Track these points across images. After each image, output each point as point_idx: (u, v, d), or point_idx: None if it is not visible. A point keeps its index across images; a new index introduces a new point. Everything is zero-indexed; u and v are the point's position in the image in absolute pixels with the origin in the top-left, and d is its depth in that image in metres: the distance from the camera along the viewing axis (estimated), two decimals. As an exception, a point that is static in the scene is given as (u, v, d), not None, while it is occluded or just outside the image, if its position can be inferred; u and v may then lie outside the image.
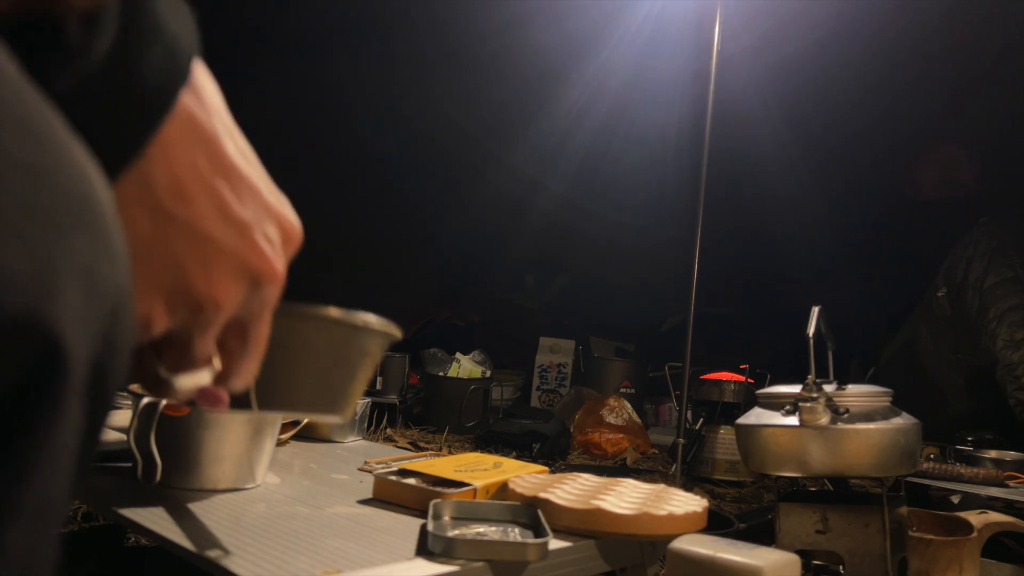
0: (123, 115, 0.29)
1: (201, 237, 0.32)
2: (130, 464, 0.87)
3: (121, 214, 0.29)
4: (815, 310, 1.11)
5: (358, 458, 1.16)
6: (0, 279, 0.22)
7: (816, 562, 1.08)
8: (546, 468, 1.06)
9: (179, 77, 0.31)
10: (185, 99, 0.32)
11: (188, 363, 0.36)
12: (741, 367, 2.20)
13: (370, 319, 0.60)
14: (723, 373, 2.17)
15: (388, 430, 2.18)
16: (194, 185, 0.32)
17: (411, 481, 0.93)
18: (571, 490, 0.89)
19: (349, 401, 0.61)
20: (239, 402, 0.48)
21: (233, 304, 0.34)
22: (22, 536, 0.24)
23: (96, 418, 0.26)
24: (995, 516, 1.16)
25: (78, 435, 0.25)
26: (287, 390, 0.58)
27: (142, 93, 0.29)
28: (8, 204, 0.22)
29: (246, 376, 0.40)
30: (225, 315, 0.35)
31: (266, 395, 0.55)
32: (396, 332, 0.62)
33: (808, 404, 1.02)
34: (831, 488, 1.20)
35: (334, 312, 0.57)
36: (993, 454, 1.71)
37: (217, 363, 0.38)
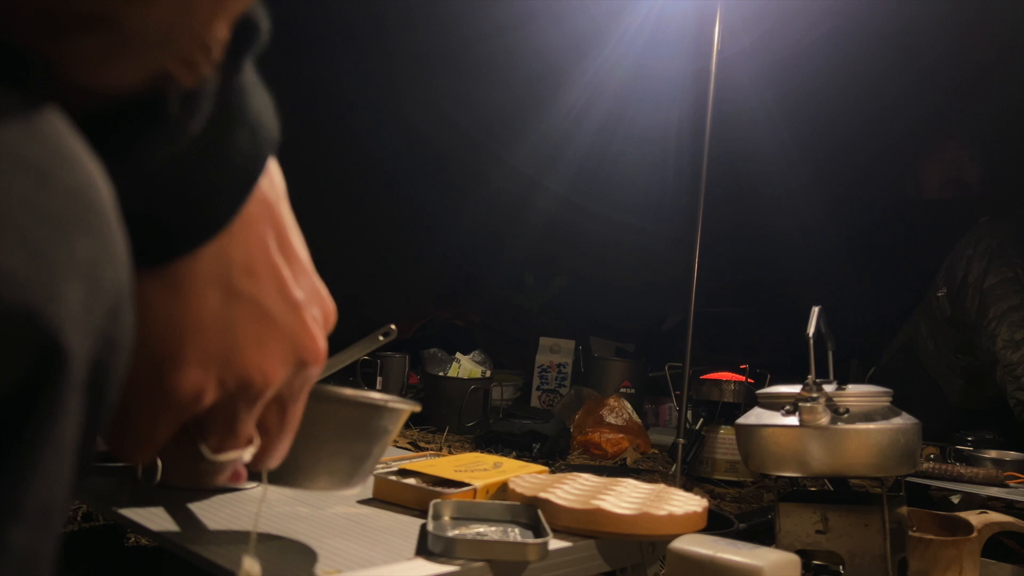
0: (211, 192, 0.30)
1: (262, 315, 0.33)
2: (130, 464, 0.87)
3: (194, 288, 0.31)
4: (815, 310, 1.11)
5: (358, 458, 1.16)
6: (1, 277, 0.22)
7: (816, 562, 1.08)
8: (546, 468, 1.06)
9: (261, 160, 0.32)
10: (261, 180, 0.33)
11: (231, 441, 0.36)
12: (741, 367, 2.20)
13: (386, 400, 0.62)
14: (723, 373, 2.17)
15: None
16: (262, 264, 0.33)
17: (411, 481, 0.93)
18: (571, 490, 0.89)
19: (363, 476, 0.64)
20: (252, 476, 0.48)
21: (280, 381, 0.35)
22: (23, 536, 0.24)
23: (96, 416, 0.26)
24: (995, 516, 1.16)
25: (78, 433, 0.25)
26: (303, 467, 0.59)
27: (229, 172, 0.30)
28: (10, 203, 0.22)
29: (280, 454, 0.40)
30: (272, 392, 0.35)
31: (281, 471, 0.55)
32: (414, 407, 0.64)
33: (808, 404, 1.02)
34: (831, 488, 1.20)
35: (350, 394, 0.60)
36: (993, 454, 1.71)
37: (257, 441, 0.38)
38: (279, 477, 0.58)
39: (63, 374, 0.24)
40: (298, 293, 0.35)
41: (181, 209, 0.30)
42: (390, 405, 0.63)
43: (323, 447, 0.60)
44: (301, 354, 0.35)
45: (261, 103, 0.32)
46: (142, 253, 0.30)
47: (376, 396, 0.62)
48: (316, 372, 0.37)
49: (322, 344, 0.36)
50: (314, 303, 0.36)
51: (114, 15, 0.26)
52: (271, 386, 0.35)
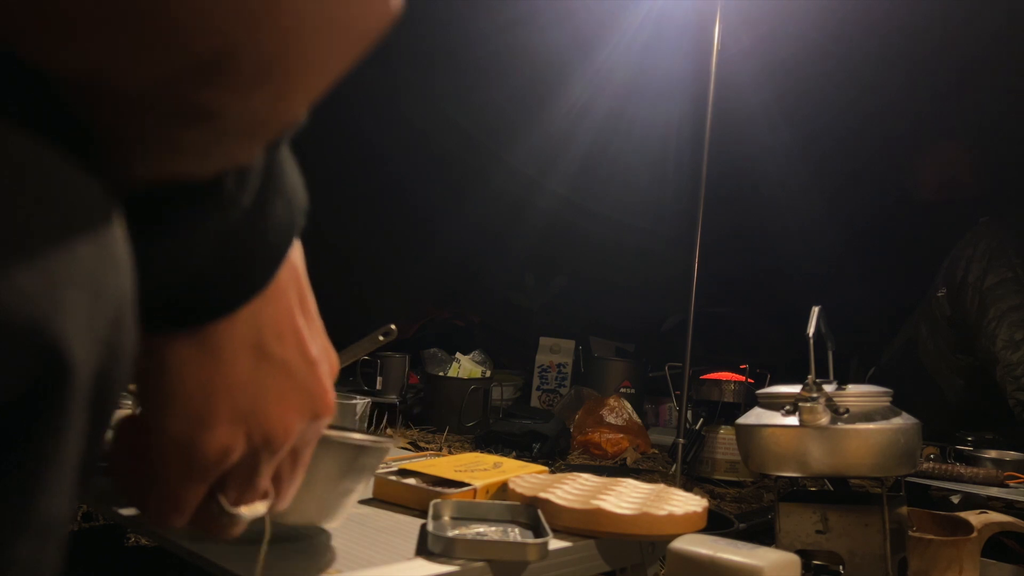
0: (251, 260, 0.32)
1: (286, 373, 0.35)
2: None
3: (228, 350, 0.33)
4: (815, 310, 1.11)
5: (358, 458, 1.16)
6: (4, 289, 0.22)
7: (816, 562, 1.08)
8: (546, 468, 1.06)
9: (295, 229, 0.34)
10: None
11: (251, 494, 0.37)
12: (741, 367, 2.20)
13: (372, 440, 0.66)
14: (723, 373, 2.17)
15: (388, 430, 2.17)
16: (288, 326, 0.35)
17: (411, 481, 0.93)
18: (571, 490, 0.89)
19: (348, 509, 0.68)
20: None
21: (298, 434, 0.37)
22: (28, 550, 0.24)
23: (99, 427, 0.26)
24: (995, 516, 1.16)
25: (82, 445, 0.25)
26: (294, 505, 0.62)
27: (269, 242, 0.32)
28: (12, 213, 0.22)
29: (289, 500, 0.41)
30: (290, 445, 0.37)
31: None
32: (388, 444, 0.69)
33: (808, 404, 1.02)
34: (831, 488, 1.20)
35: (336, 436, 0.64)
36: (993, 454, 1.71)
37: (272, 492, 0.39)
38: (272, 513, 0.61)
39: (68, 386, 0.24)
40: (315, 351, 0.37)
41: (222, 275, 0.31)
42: (375, 445, 0.67)
43: (313, 486, 0.63)
44: (316, 408, 0.37)
45: (294, 174, 0.34)
46: (180, 316, 0.32)
47: (358, 437, 0.67)
48: (327, 423, 0.39)
49: (333, 397, 0.38)
50: (325, 359, 0.38)
51: (222, 108, 0.27)
52: (291, 439, 0.36)
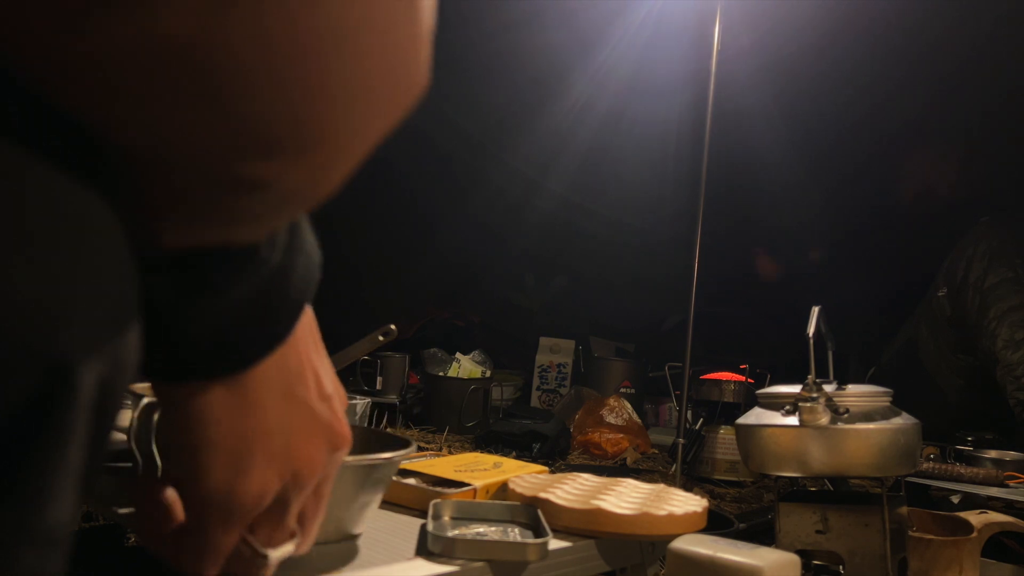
0: (278, 312, 0.34)
1: (309, 412, 0.37)
2: (130, 464, 0.87)
3: (260, 395, 0.35)
4: (815, 310, 1.11)
5: (358, 458, 1.16)
6: (9, 303, 0.22)
7: (816, 562, 1.08)
8: (546, 468, 1.06)
9: (314, 282, 0.36)
10: None
11: (281, 533, 0.39)
12: (741, 367, 2.20)
13: (378, 458, 0.68)
14: (723, 373, 2.17)
15: (388, 430, 2.17)
16: (307, 367, 0.37)
17: (411, 481, 0.93)
18: (571, 490, 0.89)
19: (364, 521, 0.71)
20: None
21: (322, 469, 0.38)
22: (31, 560, 0.24)
23: (101, 434, 0.26)
24: (995, 516, 1.16)
25: (85, 455, 0.25)
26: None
27: (293, 295, 0.34)
28: (17, 227, 0.22)
29: (315, 534, 0.43)
30: (315, 480, 0.38)
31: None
32: (402, 455, 0.71)
33: (808, 404, 1.02)
34: (831, 488, 1.20)
35: (351, 460, 0.65)
36: (993, 454, 1.71)
37: (298, 531, 0.40)
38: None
39: (73, 397, 0.24)
40: (329, 387, 0.39)
41: (253, 327, 0.33)
42: (386, 462, 0.69)
43: (330, 508, 0.66)
44: (335, 441, 0.39)
45: (308, 230, 0.36)
46: (215, 366, 0.33)
47: (370, 458, 0.68)
48: (345, 455, 0.40)
49: (348, 430, 0.40)
50: (336, 394, 0.40)
51: (275, 178, 0.28)
52: (317, 474, 0.38)
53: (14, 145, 0.23)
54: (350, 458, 0.68)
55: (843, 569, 1.05)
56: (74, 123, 0.25)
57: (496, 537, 0.77)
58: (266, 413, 0.35)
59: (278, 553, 0.39)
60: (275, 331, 0.34)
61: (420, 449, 1.95)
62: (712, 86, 1.98)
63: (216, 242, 0.30)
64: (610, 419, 2.27)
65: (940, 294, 2.25)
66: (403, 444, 0.75)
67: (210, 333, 0.32)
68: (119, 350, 0.26)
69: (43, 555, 0.25)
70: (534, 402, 3.07)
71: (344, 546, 0.71)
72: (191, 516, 0.36)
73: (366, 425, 1.50)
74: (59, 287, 0.23)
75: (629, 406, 2.36)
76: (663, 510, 0.83)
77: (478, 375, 2.59)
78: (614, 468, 2.03)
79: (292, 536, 0.40)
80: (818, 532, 1.07)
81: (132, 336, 0.27)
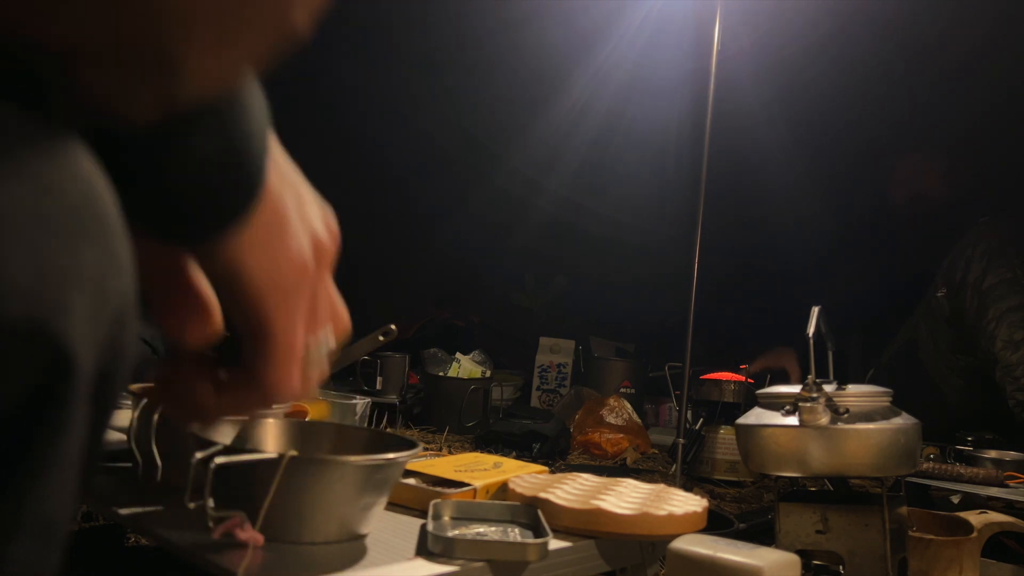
0: (256, 139, 0.36)
1: (307, 193, 0.42)
2: (130, 464, 0.87)
3: (272, 190, 0.37)
4: (815, 310, 1.11)
5: (358, 458, 1.16)
6: (6, 288, 0.22)
7: (816, 562, 1.08)
8: (546, 468, 1.06)
9: (267, 112, 0.38)
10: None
11: (315, 325, 0.42)
12: (741, 367, 2.20)
13: (381, 459, 0.70)
14: (723, 373, 2.17)
15: (388, 430, 2.18)
16: (284, 162, 0.41)
17: (411, 481, 0.93)
18: (571, 490, 0.89)
19: (370, 521, 0.73)
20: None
21: (330, 256, 0.42)
22: (26, 550, 0.24)
23: (99, 426, 0.26)
24: (995, 516, 1.16)
25: (83, 444, 0.25)
26: (319, 524, 0.69)
27: (257, 124, 0.36)
28: (14, 213, 0.22)
29: (343, 323, 0.46)
30: (331, 254, 0.42)
31: (298, 530, 0.69)
32: (406, 456, 0.73)
33: (808, 404, 1.02)
34: (831, 488, 1.20)
35: (355, 460, 0.69)
36: (993, 454, 1.71)
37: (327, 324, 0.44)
38: (296, 535, 0.68)
39: (71, 387, 0.24)
40: (309, 195, 0.43)
41: (241, 159, 0.35)
42: (389, 463, 0.71)
43: (333, 508, 0.69)
44: (329, 222, 0.43)
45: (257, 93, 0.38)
46: (234, 201, 0.35)
47: (372, 458, 0.70)
48: (335, 251, 0.43)
49: (335, 222, 0.44)
50: (317, 213, 0.43)
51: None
52: (334, 240, 0.42)
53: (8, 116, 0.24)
54: (355, 458, 0.68)
55: (843, 569, 1.05)
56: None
57: (496, 537, 0.77)
58: (287, 209, 0.38)
59: (324, 344, 0.43)
60: (259, 158, 0.36)
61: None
62: (712, 86, 1.98)
63: (168, 104, 0.31)
64: (610, 419, 2.27)
65: (939, 294, 2.25)
66: (409, 445, 0.75)
67: (207, 176, 0.33)
68: (117, 340, 0.26)
69: (38, 546, 0.24)
70: (534, 402, 3.07)
71: (351, 546, 0.72)
72: (257, 326, 0.38)
73: (366, 425, 1.50)
74: (55, 277, 0.23)
75: (629, 406, 2.36)
76: (663, 510, 0.83)
77: (478, 375, 2.58)
78: (614, 468, 2.03)
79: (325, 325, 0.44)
80: (818, 532, 1.07)
81: (131, 327, 0.27)
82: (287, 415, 0.92)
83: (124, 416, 0.90)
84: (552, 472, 1.05)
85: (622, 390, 2.78)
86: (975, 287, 2.12)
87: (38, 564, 0.25)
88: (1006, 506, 1.38)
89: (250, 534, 0.64)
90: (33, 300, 0.22)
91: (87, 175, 0.25)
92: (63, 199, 0.24)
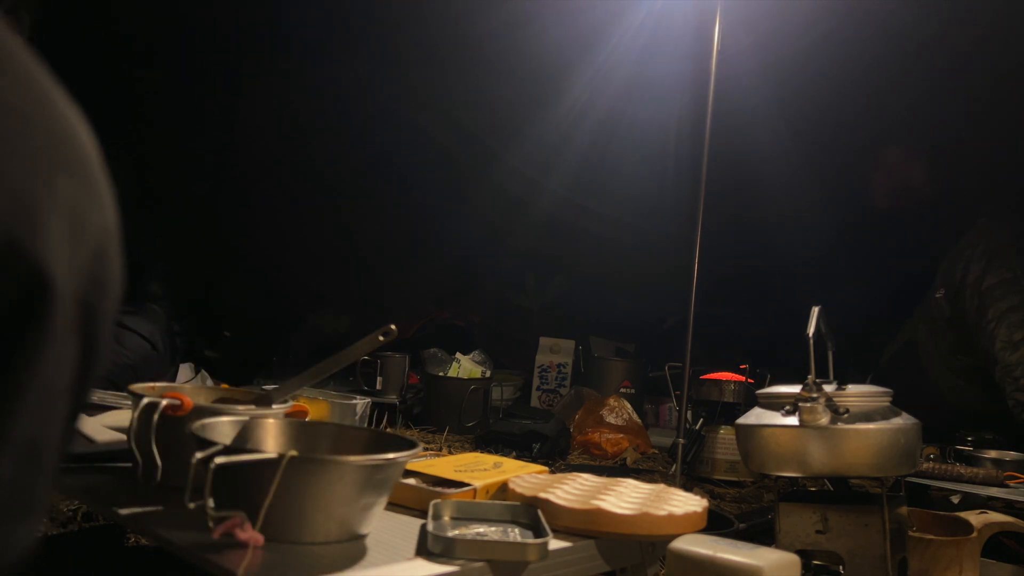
0: None
1: None
2: (130, 464, 0.87)
3: None
4: (815, 310, 1.11)
5: (358, 458, 1.16)
6: None
7: (816, 562, 1.08)
8: (546, 468, 1.06)
9: None
10: None
11: None
12: (741, 367, 2.20)
13: (379, 459, 0.70)
14: (723, 373, 2.17)
15: (388, 430, 2.18)
16: None
17: (411, 481, 0.93)
18: (571, 490, 0.89)
19: (371, 520, 0.73)
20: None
21: None
22: (9, 468, 0.24)
23: (88, 357, 0.26)
24: (995, 516, 1.16)
25: (70, 373, 0.25)
26: (319, 525, 0.69)
27: None
28: None
29: None
30: None
31: (298, 531, 0.69)
32: (406, 456, 0.73)
33: (808, 404, 1.02)
34: (831, 488, 1.20)
35: (355, 460, 0.69)
36: (993, 454, 1.71)
37: None
38: (296, 535, 0.68)
39: (50, 307, 0.23)
40: None
41: None
42: (388, 463, 0.71)
43: (333, 508, 0.69)
44: None
45: None
46: None
47: (370, 458, 0.70)
48: None
49: None
50: None
51: None
52: None
53: None
54: (355, 458, 0.68)
55: (843, 569, 1.05)
56: None
57: (496, 537, 0.77)
58: None
59: None
60: None
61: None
62: (712, 86, 1.98)
63: None
64: (610, 419, 2.27)
65: (938, 295, 2.24)
66: (409, 445, 0.75)
67: None
68: (99, 273, 0.25)
69: (21, 467, 0.24)
70: (534, 402, 3.07)
71: (351, 546, 0.72)
72: None
73: (366, 425, 1.50)
74: (32, 204, 0.23)
75: (629, 406, 2.36)
76: (663, 510, 0.83)
77: (478, 375, 2.58)
78: (614, 468, 2.03)
79: None
80: (818, 532, 1.07)
81: (113, 261, 0.27)
82: (287, 415, 0.91)
83: (124, 416, 0.90)
84: (552, 472, 1.05)
85: (622, 390, 2.78)
86: (975, 288, 2.12)
87: (22, 482, 0.24)
88: (1006, 506, 1.38)
89: (250, 534, 0.64)
90: (8, 222, 0.22)
91: (62, 109, 0.25)
92: (38, 130, 0.24)
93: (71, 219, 0.24)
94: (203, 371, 2.33)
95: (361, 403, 1.52)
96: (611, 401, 2.35)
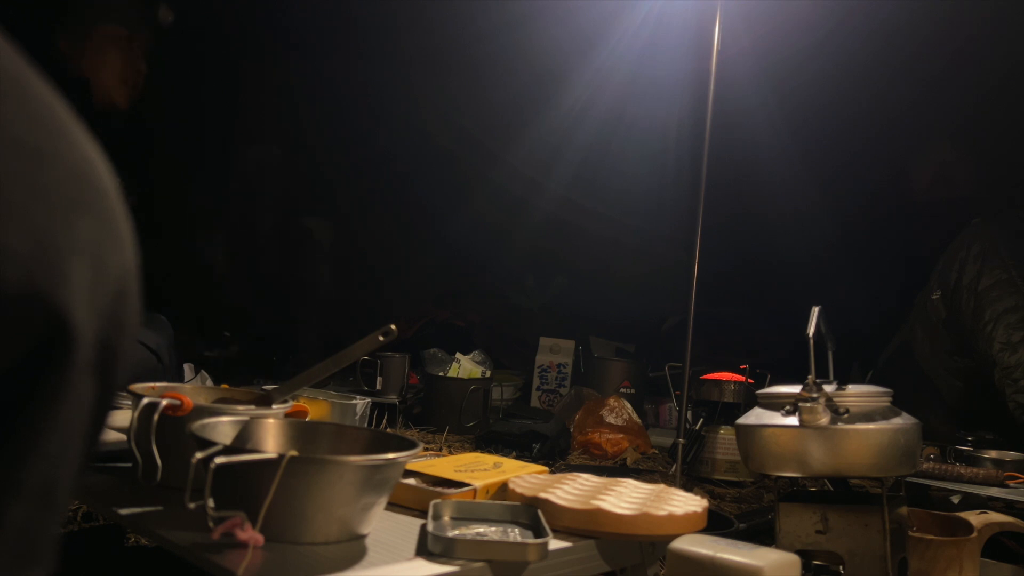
0: None
1: None
2: (130, 464, 0.87)
3: None
4: (815, 310, 1.11)
5: (358, 458, 1.16)
6: (3, 256, 0.21)
7: (816, 562, 1.08)
8: (546, 468, 1.06)
9: None
10: None
11: None
12: (741, 367, 2.20)
13: (379, 459, 0.70)
14: (723, 373, 2.17)
15: (388, 430, 2.17)
16: None
17: (411, 481, 0.93)
18: (571, 490, 0.89)
19: (371, 520, 0.74)
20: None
21: None
22: (23, 514, 0.24)
23: (104, 398, 0.26)
24: (995, 516, 1.16)
25: (86, 414, 0.25)
26: (318, 525, 0.69)
27: None
28: (12, 184, 0.22)
29: None
30: None
31: (298, 531, 0.69)
32: (406, 456, 0.73)
33: (808, 404, 1.02)
34: (831, 488, 1.20)
35: (355, 460, 0.69)
36: (993, 454, 1.71)
37: None
38: (296, 535, 0.68)
39: (70, 354, 0.23)
40: None
41: None
42: (388, 463, 0.71)
43: (333, 508, 0.69)
44: None
45: None
46: None
47: (369, 458, 0.70)
48: None
49: None
50: None
51: None
52: None
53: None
54: (355, 458, 0.68)
55: (843, 569, 1.05)
56: None
57: (496, 537, 0.77)
58: None
59: None
60: None
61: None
62: (712, 86, 1.98)
63: None
64: (610, 419, 2.27)
65: (934, 297, 2.24)
66: (409, 445, 0.75)
67: None
68: (118, 313, 0.25)
69: (34, 510, 0.24)
70: (534, 402, 3.07)
71: (351, 546, 0.72)
72: None
73: (366, 425, 1.50)
74: (55, 249, 0.23)
75: (629, 406, 2.36)
76: (663, 510, 0.83)
77: (478, 375, 2.58)
78: (614, 468, 2.03)
79: None
80: (818, 532, 1.07)
81: (132, 301, 0.27)
82: (287, 415, 0.91)
83: (124, 416, 0.90)
84: (552, 472, 1.05)
85: (622, 390, 2.78)
86: (970, 289, 2.11)
87: (36, 528, 0.24)
88: (1006, 506, 1.38)
89: (250, 534, 0.64)
90: (32, 269, 0.22)
91: (84, 149, 0.25)
92: (61, 172, 0.24)
93: (92, 261, 0.24)
94: (203, 371, 2.33)
95: (361, 403, 1.52)
96: (611, 401, 2.35)
